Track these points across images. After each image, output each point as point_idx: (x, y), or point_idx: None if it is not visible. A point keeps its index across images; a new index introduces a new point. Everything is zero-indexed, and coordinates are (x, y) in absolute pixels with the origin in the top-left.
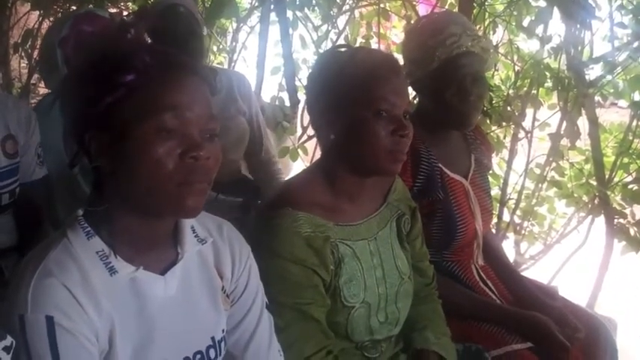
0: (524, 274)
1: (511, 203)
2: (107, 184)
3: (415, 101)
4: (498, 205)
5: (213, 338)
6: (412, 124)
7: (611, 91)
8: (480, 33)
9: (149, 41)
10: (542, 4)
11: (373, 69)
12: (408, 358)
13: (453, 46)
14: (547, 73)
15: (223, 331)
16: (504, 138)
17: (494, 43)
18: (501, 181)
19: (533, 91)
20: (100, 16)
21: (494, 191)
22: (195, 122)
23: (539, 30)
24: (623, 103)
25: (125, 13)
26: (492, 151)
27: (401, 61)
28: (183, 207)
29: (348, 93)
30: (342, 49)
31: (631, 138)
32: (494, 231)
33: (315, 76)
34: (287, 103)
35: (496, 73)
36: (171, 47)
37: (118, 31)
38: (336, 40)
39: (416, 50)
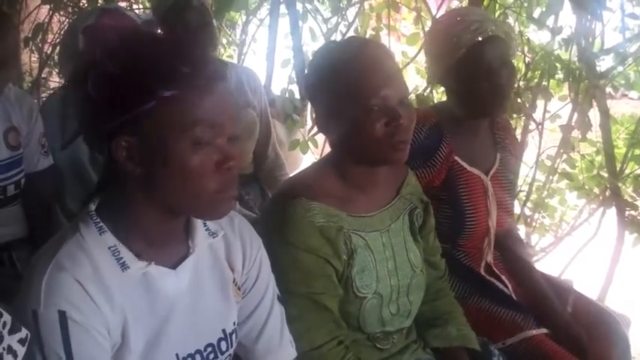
0: (535, 266)
1: (522, 195)
2: (127, 182)
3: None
4: None
5: (224, 331)
6: (439, 118)
7: (623, 82)
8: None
9: (185, 48)
10: None
11: (359, 66)
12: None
13: (477, 32)
14: (558, 65)
15: (234, 323)
16: (515, 130)
17: None
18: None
19: (543, 83)
20: (126, 14)
21: None
22: (226, 129)
23: (550, 21)
24: (634, 94)
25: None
26: (520, 150)
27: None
28: (217, 213)
29: (340, 93)
30: (331, 46)
31: None
32: None
33: (309, 80)
34: (297, 96)
35: None
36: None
37: (157, 41)
38: (346, 32)
39: (441, 41)
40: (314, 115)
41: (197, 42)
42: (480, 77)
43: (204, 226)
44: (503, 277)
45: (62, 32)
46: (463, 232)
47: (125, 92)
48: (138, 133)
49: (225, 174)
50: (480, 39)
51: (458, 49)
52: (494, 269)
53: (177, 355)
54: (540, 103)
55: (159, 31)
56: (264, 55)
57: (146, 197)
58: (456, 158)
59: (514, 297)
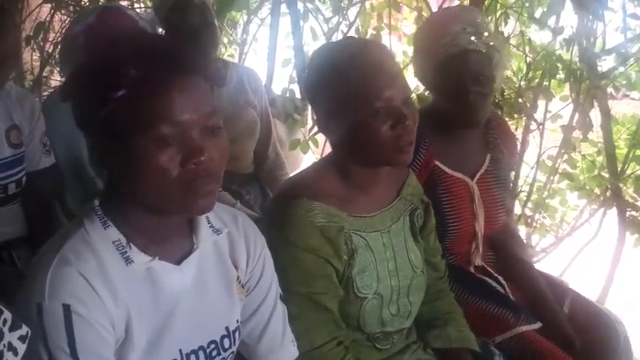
0: (533, 264)
1: (522, 195)
2: (119, 181)
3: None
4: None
5: (227, 328)
6: (421, 120)
7: (624, 82)
8: (491, 26)
9: (141, 49)
10: None
11: (361, 66)
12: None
13: (448, 46)
14: (559, 65)
15: (237, 321)
16: (516, 130)
17: (506, 35)
18: (513, 173)
19: (545, 83)
20: (126, 13)
21: None
22: (194, 124)
23: (552, 21)
24: (635, 94)
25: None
26: (514, 145)
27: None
28: (193, 209)
29: (341, 94)
30: (331, 46)
31: None
32: None
33: (309, 80)
34: (298, 96)
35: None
36: (180, 39)
37: (108, 44)
38: (347, 32)
39: (421, 46)
40: (315, 115)
41: (174, 25)
42: (449, 90)
43: (208, 222)
44: (498, 277)
45: (63, 31)
46: (446, 235)
47: (86, 96)
48: (107, 134)
49: (193, 170)
50: (450, 54)
51: (432, 58)
52: (488, 268)
53: (180, 351)
54: (541, 103)
55: (159, 30)
56: (265, 54)
57: (131, 196)
58: (437, 163)
59: (510, 296)
